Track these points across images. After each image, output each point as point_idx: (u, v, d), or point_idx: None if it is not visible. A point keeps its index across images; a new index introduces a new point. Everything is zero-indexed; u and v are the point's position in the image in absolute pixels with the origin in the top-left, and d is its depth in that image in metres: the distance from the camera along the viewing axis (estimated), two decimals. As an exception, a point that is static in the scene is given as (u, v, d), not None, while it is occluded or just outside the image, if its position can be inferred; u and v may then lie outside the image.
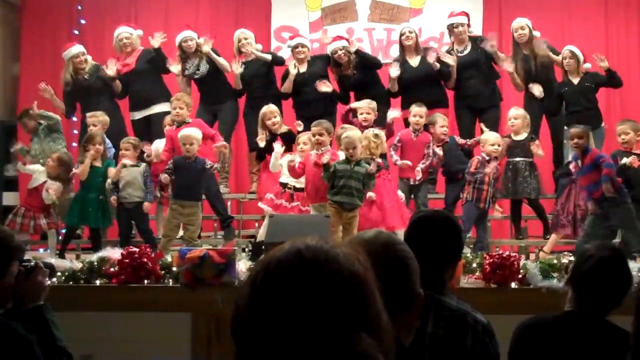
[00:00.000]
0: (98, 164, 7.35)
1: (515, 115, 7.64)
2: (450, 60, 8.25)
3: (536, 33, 8.43)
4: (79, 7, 10.64)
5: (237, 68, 8.42)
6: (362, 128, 7.47)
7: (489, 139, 7.33)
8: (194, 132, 7.14)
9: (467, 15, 8.60)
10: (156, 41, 8.53)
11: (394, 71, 8.25)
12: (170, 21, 9.95)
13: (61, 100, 8.75)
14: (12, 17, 10.68)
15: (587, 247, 3.03)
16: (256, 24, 10.00)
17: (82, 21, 10.59)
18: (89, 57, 8.73)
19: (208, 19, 10.35)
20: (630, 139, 7.02)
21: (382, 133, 7.20)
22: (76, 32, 10.53)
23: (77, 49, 8.67)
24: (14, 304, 2.68)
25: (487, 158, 7.19)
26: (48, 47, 10.40)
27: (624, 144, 7.06)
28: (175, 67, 8.53)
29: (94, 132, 7.63)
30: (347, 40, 8.65)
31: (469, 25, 8.58)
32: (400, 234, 5.91)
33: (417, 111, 7.70)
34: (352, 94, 8.46)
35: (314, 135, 6.96)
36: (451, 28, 8.57)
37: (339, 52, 8.37)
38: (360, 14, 10.40)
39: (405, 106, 8.18)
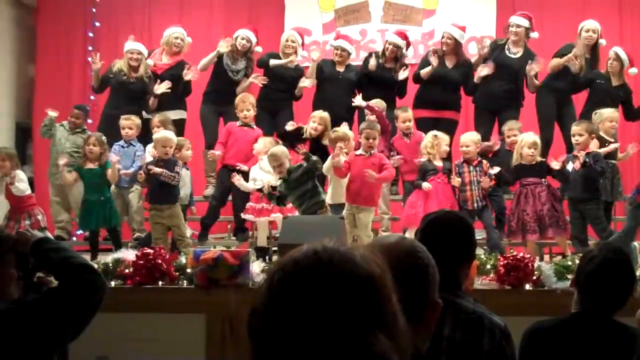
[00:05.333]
0: (93, 165, 7.29)
1: (613, 117, 7.51)
2: (486, 70, 8.23)
3: (602, 41, 8.34)
4: (94, 10, 10.70)
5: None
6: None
7: (460, 140, 7.33)
8: (172, 135, 7.20)
9: (530, 19, 8.47)
10: (188, 75, 8.56)
11: (434, 60, 8.27)
12: (184, 23, 9.94)
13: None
14: (27, 19, 10.75)
15: (591, 249, 3.02)
16: (269, 25, 10.03)
17: (97, 23, 10.64)
18: (149, 62, 8.71)
19: (221, 20, 10.37)
20: (584, 140, 6.91)
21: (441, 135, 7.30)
22: (90, 34, 10.59)
23: (132, 45, 8.68)
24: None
25: (462, 160, 7.17)
26: (63, 48, 10.48)
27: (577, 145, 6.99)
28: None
29: (91, 133, 7.72)
30: (408, 43, 8.73)
31: (532, 30, 8.46)
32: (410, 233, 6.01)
33: (406, 116, 7.83)
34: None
35: (367, 139, 6.96)
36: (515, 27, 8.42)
37: (392, 48, 8.44)
38: (374, 15, 10.38)
39: (416, 104, 8.29)
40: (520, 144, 7.06)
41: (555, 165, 6.89)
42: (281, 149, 6.92)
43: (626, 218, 7.12)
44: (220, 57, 8.60)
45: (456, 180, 7.04)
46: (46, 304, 2.52)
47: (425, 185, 7.00)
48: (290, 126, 7.78)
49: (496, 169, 7.11)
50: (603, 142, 7.17)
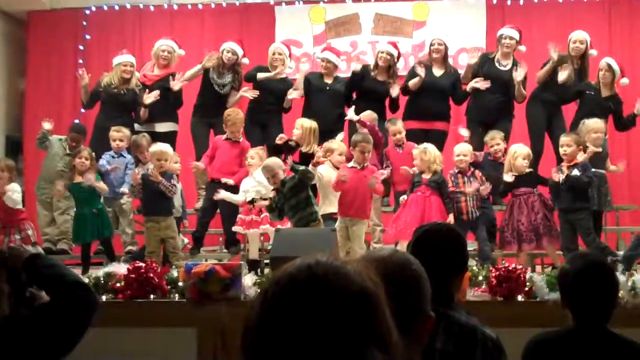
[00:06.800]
0: (81, 179, 7.23)
1: (597, 128, 7.46)
2: (481, 85, 8.25)
3: (593, 51, 8.41)
4: (84, 23, 10.70)
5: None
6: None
7: (454, 151, 7.34)
8: (168, 148, 7.20)
9: (520, 32, 8.53)
10: (177, 84, 8.58)
11: (421, 71, 8.31)
12: (174, 36, 9.97)
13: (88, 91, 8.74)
14: (18, 32, 10.75)
15: (562, 266, 3.04)
16: (260, 37, 10.05)
17: (87, 36, 10.65)
18: (137, 74, 8.71)
19: (213, 32, 10.40)
20: (572, 151, 6.97)
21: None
22: (81, 47, 10.59)
23: (125, 57, 8.67)
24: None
25: (457, 171, 7.19)
26: (53, 62, 10.48)
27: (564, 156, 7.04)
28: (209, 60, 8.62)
29: (82, 147, 7.69)
30: (399, 53, 8.75)
31: (520, 43, 8.50)
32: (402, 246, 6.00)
33: (396, 129, 7.85)
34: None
35: (362, 152, 6.96)
36: (500, 39, 8.49)
37: (385, 56, 8.46)
38: (364, 27, 10.43)
39: (406, 115, 8.34)
40: (514, 155, 7.07)
41: (556, 177, 6.88)
42: (274, 160, 6.93)
43: None
44: (207, 70, 8.62)
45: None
46: (38, 320, 2.50)
47: (402, 198, 7.10)
48: (279, 140, 7.79)
49: (510, 177, 7.10)
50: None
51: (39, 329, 2.47)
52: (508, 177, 7.05)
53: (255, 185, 7.22)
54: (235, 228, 7.27)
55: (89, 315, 2.56)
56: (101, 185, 7.25)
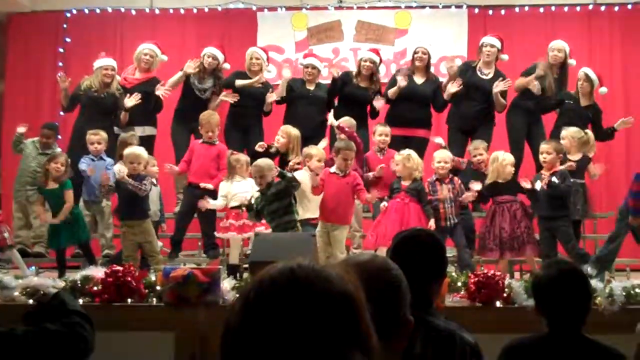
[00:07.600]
0: (54, 185, 7.22)
1: (563, 135, 7.61)
2: (455, 87, 8.29)
3: (572, 61, 8.50)
4: (65, 26, 10.63)
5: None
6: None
7: (435, 157, 7.37)
8: (142, 151, 7.16)
9: (501, 40, 8.59)
10: (160, 92, 8.54)
11: (402, 81, 8.33)
12: (156, 39, 9.93)
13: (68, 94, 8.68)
14: (-3, 34, 10.66)
15: (536, 273, 3.06)
16: (242, 43, 10.00)
17: (68, 39, 10.58)
18: (118, 77, 8.68)
19: (194, 38, 10.36)
20: (552, 159, 7.07)
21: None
22: (61, 50, 10.52)
23: (106, 61, 8.62)
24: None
25: (435, 178, 7.24)
26: (33, 64, 10.40)
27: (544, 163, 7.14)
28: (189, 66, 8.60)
29: (59, 153, 7.69)
30: (381, 60, 8.80)
31: (502, 52, 8.56)
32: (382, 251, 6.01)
33: (384, 130, 7.94)
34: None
35: (344, 159, 6.95)
36: (481, 47, 8.56)
37: (369, 64, 8.47)
38: (346, 34, 10.44)
39: (387, 122, 8.33)
40: (503, 162, 7.11)
41: (526, 185, 6.96)
42: (266, 161, 6.90)
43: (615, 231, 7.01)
44: (188, 76, 8.61)
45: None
46: (34, 341, 2.52)
47: (382, 204, 7.10)
48: (259, 147, 7.77)
49: (478, 185, 7.14)
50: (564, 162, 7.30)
51: (33, 349, 2.49)
52: (477, 186, 7.10)
53: (247, 191, 7.15)
54: (229, 234, 7.20)
55: (81, 343, 2.61)
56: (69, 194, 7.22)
